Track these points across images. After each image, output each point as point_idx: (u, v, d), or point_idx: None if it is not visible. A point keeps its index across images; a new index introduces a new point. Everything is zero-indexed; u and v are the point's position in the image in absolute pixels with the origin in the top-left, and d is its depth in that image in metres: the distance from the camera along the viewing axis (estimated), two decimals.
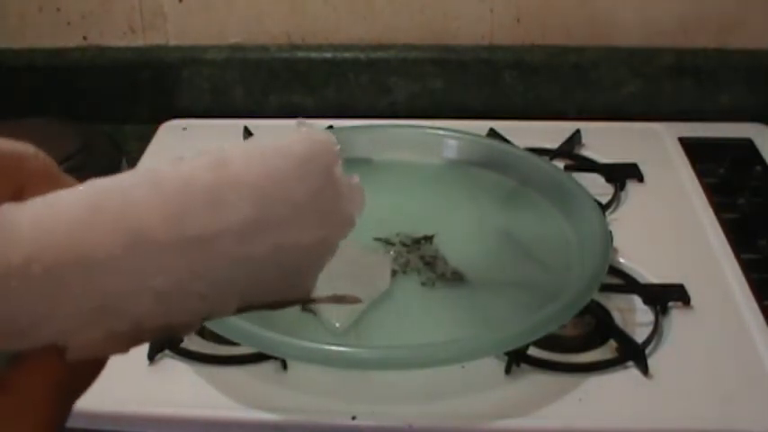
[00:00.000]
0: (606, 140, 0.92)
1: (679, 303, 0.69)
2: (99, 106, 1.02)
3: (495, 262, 0.76)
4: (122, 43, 1.01)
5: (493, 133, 0.91)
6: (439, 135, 0.88)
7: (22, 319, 0.24)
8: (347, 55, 0.99)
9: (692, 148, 0.91)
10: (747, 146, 0.92)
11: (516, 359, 0.63)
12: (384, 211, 0.79)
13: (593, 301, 0.66)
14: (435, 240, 0.76)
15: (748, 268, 0.73)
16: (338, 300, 0.29)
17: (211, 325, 0.63)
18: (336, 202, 0.27)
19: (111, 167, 0.90)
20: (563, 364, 0.64)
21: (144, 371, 0.64)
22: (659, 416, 0.60)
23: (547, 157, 0.87)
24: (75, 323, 0.25)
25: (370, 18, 0.99)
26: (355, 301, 0.30)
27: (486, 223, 0.80)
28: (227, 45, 1.00)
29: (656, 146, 0.92)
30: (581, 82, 0.98)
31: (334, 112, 0.99)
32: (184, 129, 0.97)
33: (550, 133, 0.92)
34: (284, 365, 0.64)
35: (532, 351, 0.64)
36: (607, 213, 0.80)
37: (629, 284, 0.72)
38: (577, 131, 0.91)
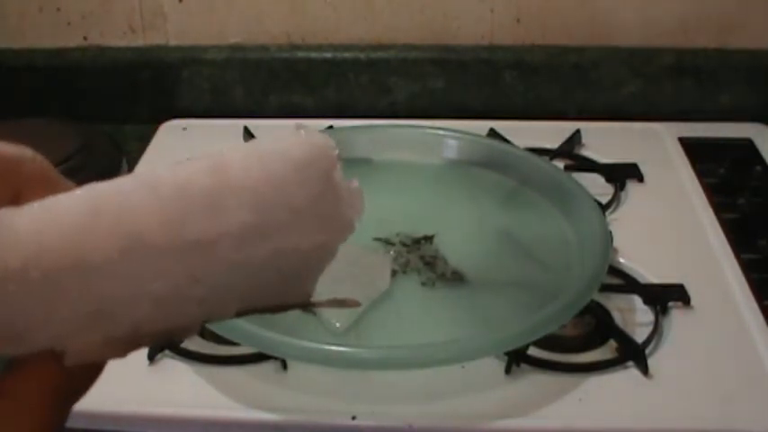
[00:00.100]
0: (606, 140, 0.92)
1: (679, 303, 0.69)
2: (99, 106, 1.02)
3: (495, 262, 0.76)
4: (122, 43, 1.01)
5: (493, 133, 0.91)
6: (439, 135, 0.88)
7: (19, 323, 0.24)
8: (347, 55, 0.99)
9: (692, 148, 0.91)
10: (747, 146, 0.92)
11: (516, 359, 0.63)
12: (384, 211, 0.79)
13: (593, 301, 0.66)
14: (435, 240, 0.76)
15: (748, 268, 0.73)
16: (338, 303, 0.29)
17: (212, 325, 0.63)
18: (336, 207, 0.27)
19: (111, 167, 0.90)
20: (563, 364, 0.64)
21: (144, 371, 0.64)
22: (659, 416, 0.60)
23: (547, 157, 0.87)
24: (72, 328, 0.25)
25: (370, 18, 0.99)
26: (355, 304, 0.29)
27: (486, 223, 0.80)
28: (227, 45, 1.00)
29: (656, 146, 0.92)
30: (581, 82, 0.98)
31: (334, 112, 0.99)
32: (184, 129, 0.97)
33: (550, 133, 0.92)
34: (284, 365, 0.64)
35: (532, 351, 0.64)
36: (607, 213, 0.80)
37: (629, 284, 0.72)
38: (577, 131, 0.91)
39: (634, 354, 0.64)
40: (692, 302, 0.69)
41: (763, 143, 0.92)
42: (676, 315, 0.68)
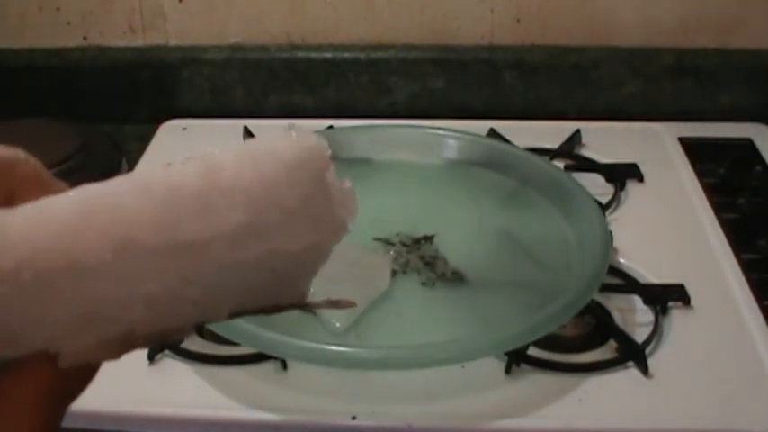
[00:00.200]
0: (606, 140, 0.92)
1: (679, 303, 0.69)
2: (99, 106, 1.02)
3: (495, 262, 0.76)
4: (122, 43, 1.01)
5: (493, 133, 0.91)
6: (439, 135, 0.88)
7: (13, 324, 0.24)
8: (347, 55, 0.99)
9: (692, 148, 0.91)
10: (747, 146, 0.92)
11: (516, 359, 0.63)
12: (384, 211, 0.79)
13: (593, 301, 0.66)
14: (435, 240, 0.76)
15: (748, 268, 0.73)
16: (333, 304, 0.29)
17: (211, 325, 0.63)
18: (329, 208, 0.27)
19: (111, 167, 0.90)
20: (563, 364, 0.64)
21: (144, 371, 0.64)
22: (659, 416, 0.60)
23: (547, 157, 0.87)
24: (66, 329, 0.25)
25: (370, 18, 0.99)
26: (350, 305, 0.29)
27: (486, 223, 0.80)
28: (227, 45, 1.00)
29: (656, 146, 0.92)
30: (581, 82, 0.98)
31: (334, 112, 0.99)
32: (184, 129, 0.97)
33: (550, 133, 0.92)
34: (284, 365, 0.64)
35: (532, 351, 0.64)
36: (607, 213, 0.80)
37: (629, 284, 0.72)
38: (577, 131, 0.91)
39: (634, 354, 0.64)
40: (692, 302, 0.69)
41: (763, 143, 0.92)
42: (676, 315, 0.68)
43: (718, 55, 0.97)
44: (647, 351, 0.64)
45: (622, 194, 0.84)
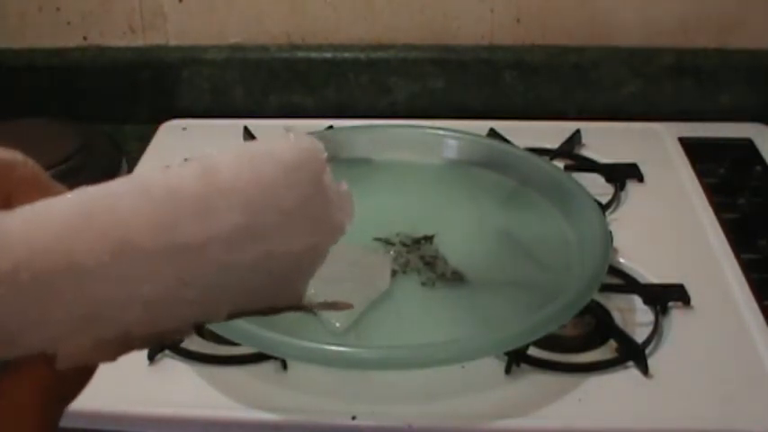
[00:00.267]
0: (606, 140, 0.92)
1: (679, 303, 0.69)
2: (99, 106, 1.02)
3: (495, 262, 0.76)
4: (122, 43, 1.01)
5: (493, 133, 0.91)
6: (439, 135, 0.88)
7: (10, 325, 0.24)
8: (347, 55, 0.99)
9: (692, 148, 0.91)
10: (747, 146, 0.92)
11: (516, 359, 0.63)
12: (384, 211, 0.79)
13: (593, 301, 0.66)
14: (435, 240, 0.76)
15: (748, 268, 0.73)
16: (330, 306, 0.29)
17: (211, 325, 0.63)
18: (326, 210, 0.27)
19: (111, 167, 0.90)
20: (563, 364, 0.64)
21: (144, 371, 0.64)
22: (659, 416, 0.60)
23: (547, 157, 0.87)
24: (63, 330, 0.25)
25: (370, 18, 0.99)
26: (347, 307, 0.30)
27: (486, 223, 0.80)
28: (227, 45, 1.00)
29: (656, 146, 0.92)
30: (581, 82, 0.98)
31: (334, 112, 0.99)
32: (184, 129, 0.97)
33: (550, 133, 0.92)
34: (284, 365, 0.64)
35: (532, 351, 0.64)
36: (607, 213, 0.80)
37: (629, 284, 0.72)
38: (577, 131, 0.91)
39: (634, 354, 0.64)
40: (692, 302, 0.69)
41: (763, 143, 0.92)
42: (676, 315, 0.68)
43: (718, 55, 0.97)
44: (647, 351, 0.64)
45: (622, 194, 0.84)
